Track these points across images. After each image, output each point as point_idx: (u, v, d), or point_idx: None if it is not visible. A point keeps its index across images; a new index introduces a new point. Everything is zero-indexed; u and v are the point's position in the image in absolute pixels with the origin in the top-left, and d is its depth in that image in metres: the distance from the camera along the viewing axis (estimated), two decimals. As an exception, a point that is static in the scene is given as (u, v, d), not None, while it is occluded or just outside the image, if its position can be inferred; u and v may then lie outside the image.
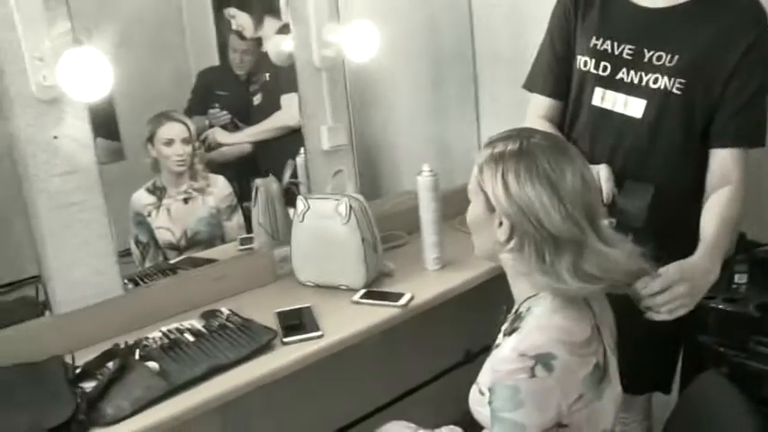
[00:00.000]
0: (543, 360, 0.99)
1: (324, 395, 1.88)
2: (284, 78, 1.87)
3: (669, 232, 1.34)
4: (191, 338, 1.47)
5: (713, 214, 1.39)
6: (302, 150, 1.90)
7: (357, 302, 1.64)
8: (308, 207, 1.72)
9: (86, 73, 1.30)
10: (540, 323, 1.06)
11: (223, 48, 1.87)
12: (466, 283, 1.76)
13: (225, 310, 1.59)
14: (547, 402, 0.99)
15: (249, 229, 1.88)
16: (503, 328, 1.17)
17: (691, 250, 1.33)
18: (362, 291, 1.68)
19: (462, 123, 2.31)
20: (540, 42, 1.62)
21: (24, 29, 1.35)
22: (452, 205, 1.81)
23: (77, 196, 1.49)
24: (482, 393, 1.14)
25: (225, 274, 1.73)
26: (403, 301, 1.62)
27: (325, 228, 1.70)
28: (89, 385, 1.31)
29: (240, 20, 1.85)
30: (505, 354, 1.03)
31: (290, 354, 1.43)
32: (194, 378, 1.33)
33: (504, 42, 2.14)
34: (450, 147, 2.29)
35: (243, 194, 1.88)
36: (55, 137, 1.44)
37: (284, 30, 1.83)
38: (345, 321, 1.55)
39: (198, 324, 1.54)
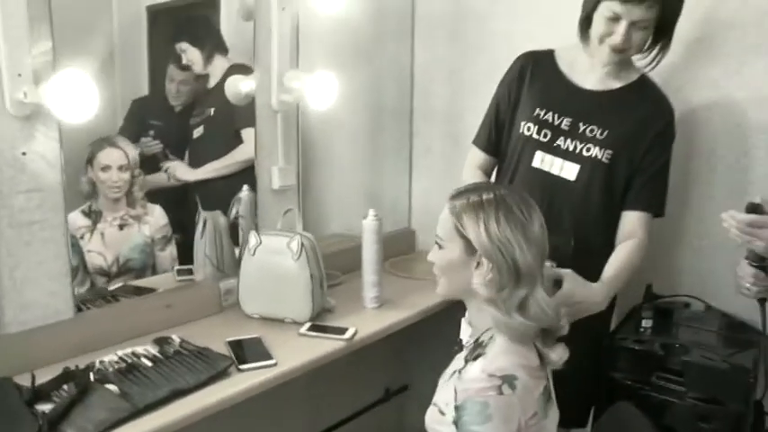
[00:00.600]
0: (508, 380, 1.16)
1: (255, 429, 1.91)
2: (232, 115, 1.94)
3: (596, 265, 1.61)
4: (148, 363, 1.48)
5: (617, 260, 1.64)
6: (244, 187, 1.97)
7: (304, 334, 1.71)
8: (260, 242, 1.79)
9: (76, 94, 1.32)
10: (503, 348, 1.22)
11: (156, 78, 1.91)
12: (403, 320, 1.88)
13: (176, 338, 1.61)
14: (511, 417, 1.15)
15: (183, 259, 1.90)
16: (463, 356, 1.31)
17: None
18: (308, 324, 1.76)
19: (396, 173, 2.48)
20: (488, 105, 1.85)
21: (7, 45, 1.35)
22: (384, 249, 1.93)
23: (39, 214, 1.48)
24: (442, 413, 1.26)
25: (173, 303, 1.75)
26: (348, 334, 1.71)
27: (276, 263, 1.77)
28: (46, 407, 1.28)
29: (190, 55, 1.92)
30: (475, 374, 1.19)
31: (246, 380, 1.47)
32: (157, 400, 1.34)
33: (440, 101, 2.35)
34: (383, 195, 2.44)
35: (177, 225, 1.91)
36: (24, 153, 1.44)
37: (240, 70, 1.92)
38: (295, 352, 1.62)
39: (152, 350, 1.55)
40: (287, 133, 1.99)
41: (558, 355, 1.27)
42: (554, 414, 1.28)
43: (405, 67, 2.41)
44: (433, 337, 2.07)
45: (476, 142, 1.86)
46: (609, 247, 1.69)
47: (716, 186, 1.90)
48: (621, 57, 1.63)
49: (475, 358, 1.25)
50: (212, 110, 1.95)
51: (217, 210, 1.93)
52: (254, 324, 1.78)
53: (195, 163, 1.94)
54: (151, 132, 1.89)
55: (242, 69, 1.91)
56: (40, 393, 1.33)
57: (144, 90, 1.89)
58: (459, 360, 1.33)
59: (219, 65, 1.94)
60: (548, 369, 1.29)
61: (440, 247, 1.31)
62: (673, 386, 1.65)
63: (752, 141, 1.84)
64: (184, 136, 1.98)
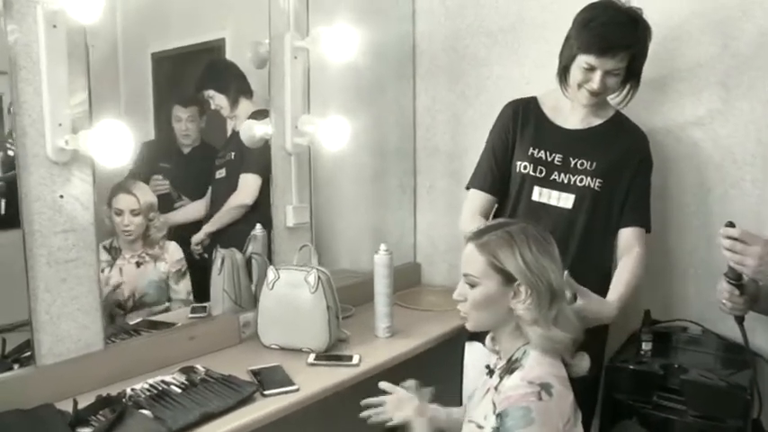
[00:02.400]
0: (546, 387, 1.27)
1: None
2: (246, 158, 2.06)
3: (595, 283, 1.73)
4: (178, 390, 1.57)
5: (623, 273, 1.80)
6: (258, 226, 2.07)
7: (312, 364, 1.80)
8: (278, 276, 1.89)
9: (114, 141, 1.44)
10: (538, 360, 1.33)
11: (162, 122, 2.04)
12: (415, 348, 1.98)
13: (201, 367, 1.69)
14: (550, 421, 1.25)
15: (196, 293, 2.00)
16: (497, 374, 1.41)
17: None
18: (313, 354, 1.84)
19: (400, 211, 2.59)
20: (482, 151, 1.99)
21: (50, 97, 1.48)
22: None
23: (74, 253, 1.58)
24: (480, 427, 1.37)
25: (196, 335, 1.84)
26: (355, 360, 1.81)
27: (294, 296, 1.87)
28: (86, 431, 1.37)
29: (218, 101, 2.06)
30: (515, 383, 1.30)
31: (270, 405, 1.56)
32: (189, 423, 1.42)
33: (441, 140, 2.48)
34: (388, 231, 2.55)
35: (190, 259, 2.02)
36: (61, 196, 1.55)
37: (257, 115, 2.05)
38: (314, 379, 1.70)
39: (180, 378, 1.63)
40: (300, 174, 2.11)
41: (583, 365, 1.40)
42: (581, 425, 1.38)
43: (407, 108, 2.55)
44: (437, 366, 2.16)
45: (475, 185, 1.97)
46: (603, 264, 1.86)
47: (707, 216, 2.01)
48: (598, 99, 1.82)
49: (511, 372, 1.35)
50: (233, 153, 2.07)
51: (231, 247, 2.03)
52: (274, 354, 1.86)
53: (215, 203, 2.05)
54: (160, 174, 2.01)
55: (264, 114, 2.04)
56: (80, 418, 1.41)
57: (150, 134, 2.02)
58: (492, 380, 1.43)
59: (244, 108, 2.08)
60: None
61: (472, 285, 1.40)
62: (673, 404, 1.73)
63: (739, 174, 1.97)
64: (196, 177, 2.10)
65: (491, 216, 1.97)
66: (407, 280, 2.52)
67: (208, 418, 1.46)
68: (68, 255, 1.58)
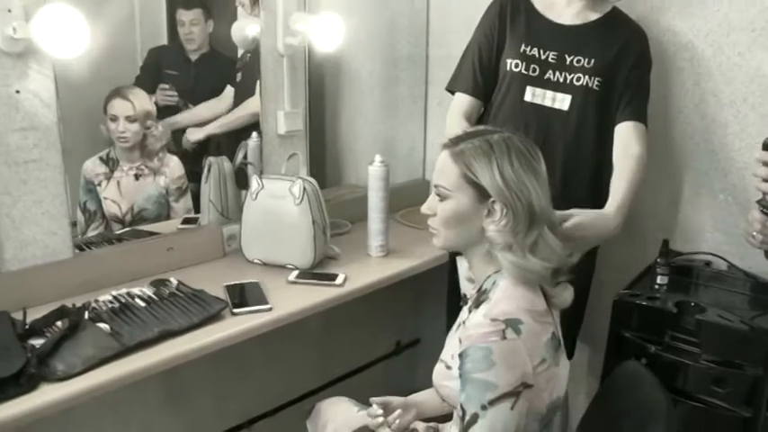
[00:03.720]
0: (513, 324, 1.10)
1: (262, 372, 1.92)
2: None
3: (585, 198, 1.66)
4: (142, 304, 1.48)
5: (622, 180, 1.62)
6: (253, 134, 1.93)
7: (293, 282, 1.69)
8: (262, 186, 1.76)
9: (64, 29, 1.29)
10: (507, 293, 1.16)
11: (174, 28, 1.87)
12: (407, 270, 1.85)
13: (174, 280, 1.60)
14: (515, 362, 1.08)
15: (196, 209, 1.89)
16: (467, 306, 1.26)
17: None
18: (296, 272, 1.73)
19: (410, 123, 2.40)
20: (465, 50, 1.83)
21: (-4, -20, 1.33)
22: (395, 200, 1.88)
23: (35, 153, 1.47)
24: (449, 367, 1.22)
25: (174, 246, 1.74)
26: (338, 281, 1.68)
27: (278, 207, 1.74)
28: (38, 342, 1.30)
29: None
30: (478, 320, 1.13)
31: (239, 324, 1.47)
32: (146, 340, 1.34)
33: (456, 48, 2.24)
34: (396, 145, 2.37)
35: (192, 174, 1.89)
36: (17, 91, 1.42)
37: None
38: (292, 298, 1.60)
39: (148, 291, 1.55)
40: (294, 78, 1.93)
41: (566, 296, 1.22)
42: (565, 362, 1.22)
43: (420, 12, 2.31)
44: (427, 287, 2.04)
45: (459, 88, 1.83)
46: (600, 174, 1.71)
47: (744, 138, 1.77)
48: None
49: (478, 306, 1.20)
50: (249, 55, 1.90)
51: (224, 155, 1.90)
52: (256, 269, 1.76)
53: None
54: (168, 83, 1.86)
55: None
56: (33, 329, 1.34)
57: (163, 39, 1.86)
58: (463, 313, 1.28)
59: None
60: (554, 315, 1.22)
61: (442, 198, 1.22)
62: (687, 347, 1.58)
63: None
64: (205, 86, 1.94)
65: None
66: (413, 197, 2.35)
67: (168, 335, 1.38)
68: (29, 155, 1.47)
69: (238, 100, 1.94)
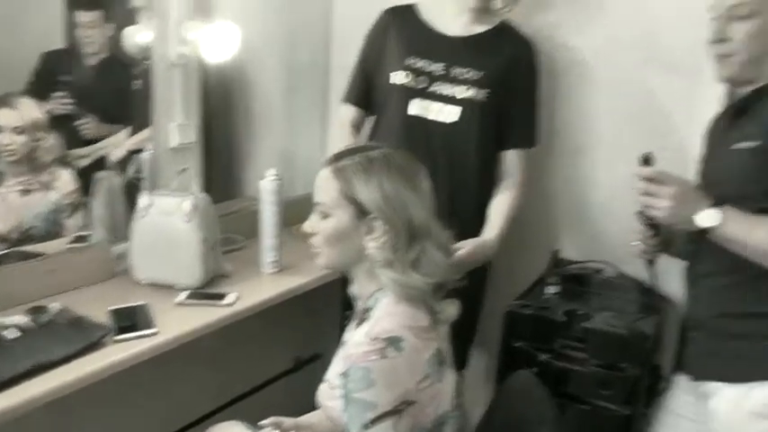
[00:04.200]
0: (393, 342, 1.10)
1: (154, 397, 1.84)
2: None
3: (469, 216, 1.72)
4: (11, 336, 1.38)
5: (500, 206, 1.74)
6: (149, 146, 1.85)
7: (182, 303, 1.63)
8: (152, 203, 1.69)
9: None
10: (388, 311, 1.16)
11: (71, 31, 1.78)
12: (300, 286, 1.81)
13: (55, 307, 1.51)
14: (396, 380, 1.09)
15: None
16: (352, 325, 1.26)
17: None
18: (187, 292, 1.67)
19: (310, 134, 2.37)
20: (355, 61, 1.86)
21: None
22: (293, 213, 1.85)
23: None
24: (332, 387, 1.22)
25: (56, 268, 1.65)
26: (228, 300, 1.64)
27: (168, 224, 1.68)
28: None
29: None
30: (359, 339, 1.14)
31: (122, 351, 1.39)
32: (16, 376, 1.25)
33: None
34: (296, 156, 2.33)
35: (88, 189, 1.80)
36: None
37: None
38: (180, 320, 1.54)
39: (23, 319, 1.45)
40: (187, 88, 1.86)
41: (451, 311, 1.24)
42: (450, 377, 1.24)
43: (322, 20, 2.29)
44: (321, 304, 2.01)
45: (346, 99, 1.87)
46: (487, 189, 1.78)
47: (630, 151, 1.82)
48: (486, 1, 1.72)
49: (360, 324, 1.20)
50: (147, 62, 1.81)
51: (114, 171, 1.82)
52: (145, 291, 1.68)
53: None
54: (63, 90, 1.76)
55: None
56: None
57: (58, 42, 1.76)
58: (349, 331, 1.28)
59: None
60: (440, 330, 1.23)
61: (323, 215, 1.23)
62: (575, 353, 1.64)
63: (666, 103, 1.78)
64: (105, 94, 1.86)
65: (366, 134, 1.86)
66: (311, 209, 2.33)
67: (41, 369, 1.29)
68: None
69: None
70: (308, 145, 2.37)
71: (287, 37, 2.22)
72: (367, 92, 1.84)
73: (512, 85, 1.73)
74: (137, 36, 1.78)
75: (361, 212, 1.18)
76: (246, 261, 1.88)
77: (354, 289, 1.31)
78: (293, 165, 2.04)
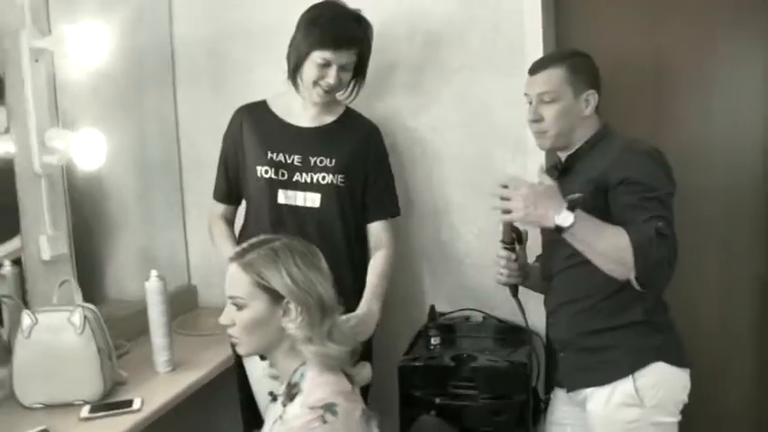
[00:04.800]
0: (329, 408, 1.22)
1: None
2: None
3: (346, 287, 1.77)
4: None
5: (374, 276, 1.88)
6: (6, 263, 1.73)
7: (88, 418, 1.57)
8: (36, 321, 1.61)
9: None
10: (316, 382, 1.28)
11: None
12: (199, 380, 1.84)
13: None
14: None
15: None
16: (279, 402, 1.33)
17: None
18: (88, 406, 1.62)
19: (169, 230, 2.38)
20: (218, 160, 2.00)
21: None
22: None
23: None
24: None
25: None
26: (136, 405, 1.62)
27: (57, 341, 1.62)
28: None
29: None
30: (296, 411, 1.24)
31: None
32: None
33: (207, 151, 2.30)
34: (158, 253, 2.32)
35: None
36: None
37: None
38: (95, 435, 1.48)
39: None
40: (53, 198, 1.82)
41: (364, 373, 1.38)
42: (376, 430, 1.35)
43: (169, 118, 2.35)
44: (225, 395, 2.03)
45: (215, 197, 2.01)
46: (360, 261, 1.92)
47: (475, 213, 2.14)
48: (331, 96, 1.88)
49: (292, 399, 1.28)
50: None
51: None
52: (38, 415, 1.58)
53: None
54: None
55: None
56: None
57: None
58: (275, 409, 1.35)
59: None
60: (358, 392, 1.35)
61: (239, 307, 1.31)
62: (466, 391, 1.83)
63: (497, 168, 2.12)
64: None
65: (239, 223, 1.99)
66: (183, 304, 2.32)
67: None
68: None
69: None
70: (167, 242, 2.38)
71: (137, 138, 2.23)
72: (231, 189, 1.96)
73: (363, 165, 1.91)
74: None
75: (276, 298, 1.29)
76: (137, 364, 1.85)
77: (269, 369, 1.41)
78: (155, 263, 2.03)
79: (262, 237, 1.37)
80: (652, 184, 1.51)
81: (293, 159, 1.87)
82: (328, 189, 1.86)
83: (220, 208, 2.00)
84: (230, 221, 2.01)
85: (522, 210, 1.48)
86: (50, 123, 1.79)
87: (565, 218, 1.45)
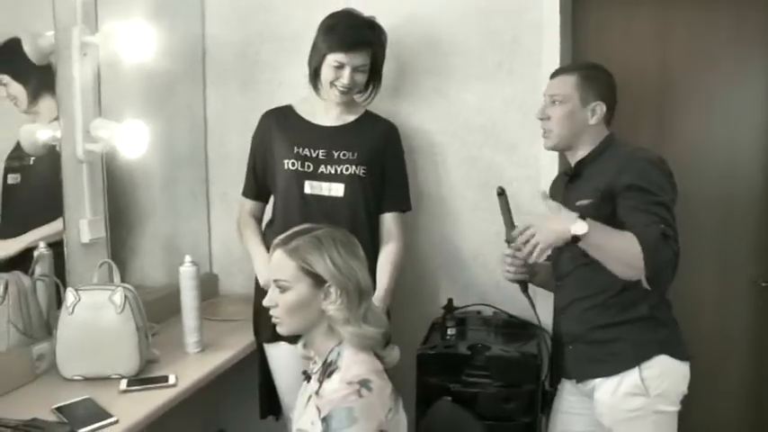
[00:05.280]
0: (365, 384, 1.33)
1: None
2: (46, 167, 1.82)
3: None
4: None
5: (385, 266, 2.00)
6: (41, 245, 1.80)
7: (126, 391, 1.66)
8: (79, 299, 1.70)
9: None
10: (353, 359, 1.38)
11: None
12: (227, 361, 1.94)
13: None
14: (372, 414, 1.31)
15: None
16: (315, 379, 1.44)
17: None
18: (125, 380, 1.71)
19: (193, 220, 2.48)
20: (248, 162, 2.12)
21: None
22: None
23: None
24: None
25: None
26: (171, 380, 1.72)
27: (98, 318, 1.71)
28: None
29: (13, 89, 1.76)
30: (335, 386, 1.34)
31: (92, 443, 1.40)
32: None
33: (233, 146, 2.42)
34: (182, 242, 2.42)
35: None
36: None
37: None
38: (132, 406, 1.57)
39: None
40: (94, 184, 1.92)
41: (394, 355, 1.48)
42: (402, 410, 1.46)
43: (198, 114, 2.45)
44: (244, 379, 2.13)
45: (244, 194, 2.13)
46: (375, 246, 2.04)
47: (490, 213, 2.19)
48: (348, 96, 2.02)
49: (329, 375, 1.38)
50: (33, 159, 1.79)
51: (16, 270, 1.75)
52: (78, 386, 1.67)
53: (9, 215, 1.75)
54: None
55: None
56: None
57: None
58: (312, 385, 1.45)
59: (48, 108, 1.81)
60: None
61: (282, 290, 1.41)
62: (480, 379, 1.92)
63: (511, 173, 2.24)
64: None
65: (269, 213, 2.09)
66: (204, 292, 2.38)
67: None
68: None
69: (12, 206, 1.79)
70: (191, 231, 2.47)
71: (165, 131, 2.32)
72: (260, 186, 2.09)
73: (382, 160, 2.05)
74: (37, 133, 1.78)
75: (318, 282, 1.40)
76: (168, 344, 1.94)
77: (303, 349, 1.52)
78: (179, 252, 2.12)
79: (305, 225, 1.48)
80: (656, 190, 1.64)
81: (318, 153, 2.00)
82: (351, 179, 1.99)
83: (249, 204, 2.12)
84: (258, 219, 2.12)
85: (542, 241, 1.64)
86: (94, 114, 1.89)
87: (580, 227, 1.58)
